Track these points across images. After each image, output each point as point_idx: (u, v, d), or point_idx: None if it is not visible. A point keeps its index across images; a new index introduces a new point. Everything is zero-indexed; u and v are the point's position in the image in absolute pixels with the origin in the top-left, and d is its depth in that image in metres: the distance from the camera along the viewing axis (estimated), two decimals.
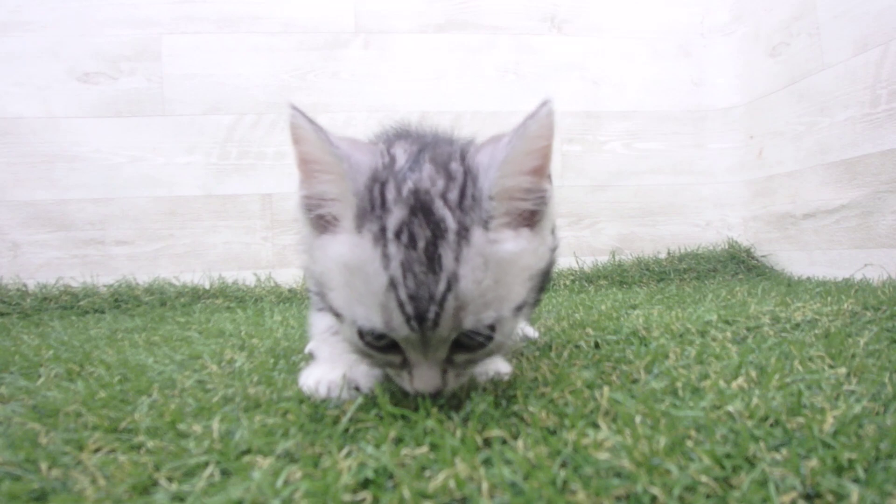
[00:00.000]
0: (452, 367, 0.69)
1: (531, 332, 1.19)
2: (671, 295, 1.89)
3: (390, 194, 0.64)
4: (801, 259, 2.38)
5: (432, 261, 0.61)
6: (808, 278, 2.20)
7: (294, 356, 1.11)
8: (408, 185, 0.64)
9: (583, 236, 2.67)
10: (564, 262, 2.56)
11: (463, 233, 0.62)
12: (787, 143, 2.41)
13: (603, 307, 1.61)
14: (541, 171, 0.69)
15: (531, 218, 0.70)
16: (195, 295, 2.27)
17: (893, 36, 1.89)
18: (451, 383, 0.70)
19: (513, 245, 0.66)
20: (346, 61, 2.59)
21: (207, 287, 2.33)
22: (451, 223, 0.62)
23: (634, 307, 1.61)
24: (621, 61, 2.75)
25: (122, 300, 2.19)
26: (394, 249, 0.61)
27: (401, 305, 0.61)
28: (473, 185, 0.65)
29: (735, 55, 2.72)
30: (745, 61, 2.67)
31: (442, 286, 0.61)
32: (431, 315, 0.61)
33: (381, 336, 0.66)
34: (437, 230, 0.62)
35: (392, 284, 0.61)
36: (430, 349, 0.66)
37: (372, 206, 0.64)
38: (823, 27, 2.18)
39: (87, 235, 2.41)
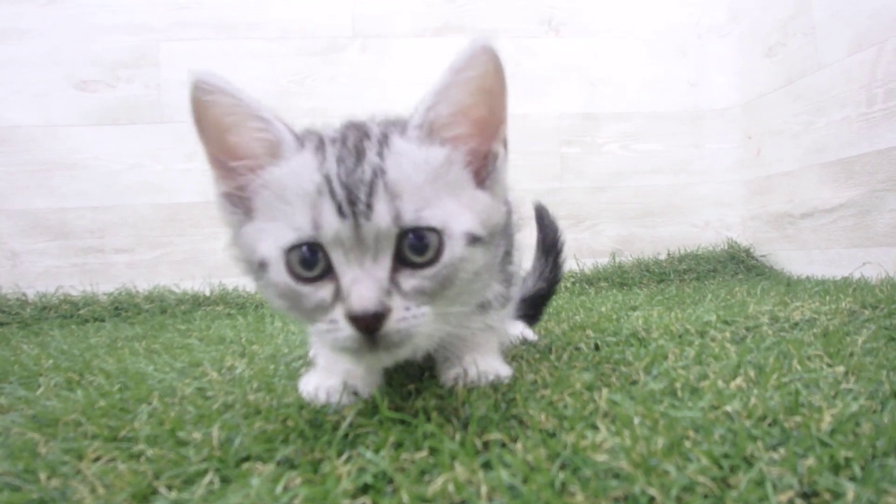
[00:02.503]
0: (399, 291, 0.62)
1: (530, 334, 1.20)
2: (671, 296, 1.89)
3: (324, 127, 0.71)
4: (799, 258, 2.38)
5: (360, 153, 0.64)
6: (807, 277, 2.20)
7: (294, 362, 1.11)
8: (343, 121, 0.72)
9: (582, 238, 2.67)
10: (565, 264, 2.55)
11: (384, 139, 0.66)
12: (784, 142, 2.41)
13: (603, 309, 1.61)
14: (481, 118, 0.69)
15: (478, 179, 0.71)
16: (195, 302, 2.27)
17: (888, 35, 1.90)
18: (398, 314, 0.61)
19: (454, 170, 0.67)
20: (344, 66, 2.59)
21: (208, 294, 2.33)
22: (374, 131, 0.68)
23: (634, 308, 1.61)
24: (619, 63, 2.76)
25: (122, 308, 2.19)
26: (330, 150, 0.65)
27: (332, 193, 0.61)
28: (398, 123, 0.71)
29: (732, 55, 2.72)
30: (742, 61, 2.68)
31: (368, 172, 0.62)
32: (363, 196, 0.61)
33: (311, 262, 0.62)
34: (364, 135, 0.67)
35: (326, 178, 0.62)
36: (368, 255, 0.61)
37: (309, 132, 0.69)
38: (819, 27, 2.19)
39: (86, 243, 2.41)
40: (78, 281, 2.35)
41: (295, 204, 0.63)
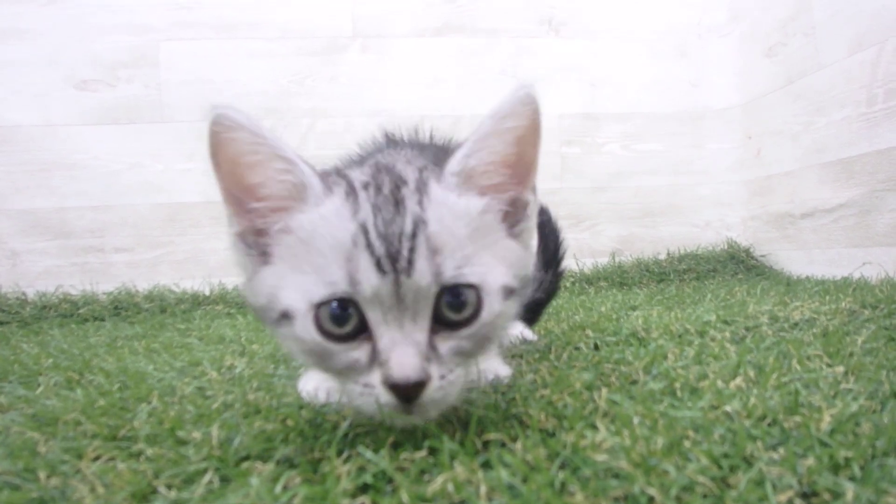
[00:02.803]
0: (436, 356, 0.59)
1: (529, 334, 1.20)
2: (671, 296, 1.89)
3: (350, 168, 0.68)
4: (799, 258, 2.38)
5: (398, 203, 0.60)
6: (807, 277, 2.20)
7: (294, 361, 1.11)
8: (370, 161, 0.69)
9: (582, 238, 2.67)
10: (564, 264, 2.55)
11: (422, 185, 0.62)
12: (784, 142, 2.41)
13: (603, 309, 1.61)
14: (517, 166, 0.66)
15: (512, 225, 0.68)
16: (195, 301, 2.27)
17: (889, 35, 1.90)
18: (436, 382, 0.58)
19: (489, 219, 0.64)
20: (345, 66, 2.59)
21: (207, 293, 2.33)
22: (409, 176, 0.63)
23: (634, 308, 1.61)
24: (619, 63, 2.76)
25: (122, 307, 2.19)
26: (363, 197, 0.60)
27: (369, 246, 0.57)
28: (431, 167, 0.66)
29: (732, 56, 2.72)
30: (742, 62, 2.68)
31: (409, 224, 0.58)
32: (405, 251, 0.56)
33: (342, 318, 0.58)
34: (399, 180, 0.62)
35: (361, 228, 0.58)
36: (407, 314, 0.57)
37: (336, 175, 0.65)
38: (819, 27, 2.19)
39: (86, 243, 2.41)
40: (78, 280, 2.35)
41: (326, 255, 0.58)
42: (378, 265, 0.56)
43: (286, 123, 2.52)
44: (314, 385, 0.79)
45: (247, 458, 0.61)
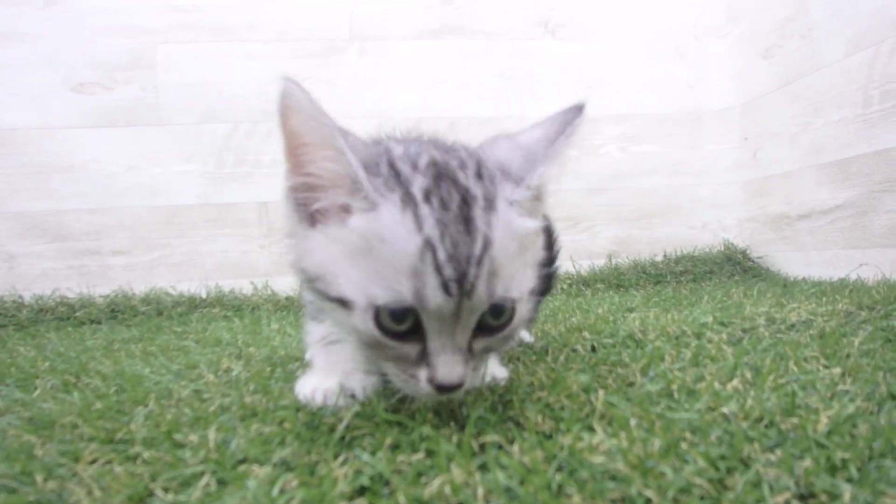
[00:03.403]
0: (472, 357, 0.64)
1: (527, 336, 1.20)
2: (667, 297, 1.89)
3: (404, 166, 0.63)
4: (796, 260, 2.38)
5: (467, 222, 0.60)
6: (804, 279, 2.21)
7: (291, 364, 1.11)
8: (423, 159, 0.64)
9: (579, 240, 2.68)
10: (561, 265, 2.56)
11: (489, 202, 0.62)
12: (782, 143, 2.42)
13: (599, 311, 1.61)
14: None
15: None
16: (192, 304, 2.26)
17: (885, 36, 1.91)
18: (469, 378, 0.64)
19: (534, 225, 0.66)
20: (342, 68, 2.59)
21: (204, 296, 2.32)
22: (476, 191, 0.62)
23: (631, 310, 1.61)
24: (616, 64, 2.76)
25: (119, 310, 2.18)
26: (426, 210, 0.59)
27: (438, 268, 0.57)
28: (487, 168, 0.66)
29: (730, 57, 2.73)
30: (739, 63, 2.68)
31: (478, 247, 0.59)
32: (472, 276, 0.58)
33: (401, 318, 0.61)
34: (466, 195, 0.61)
35: (428, 245, 0.58)
36: (459, 326, 0.61)
37: (388, 176, 0.62)
38: (816, 28, 2.19)
39: (83, 246, 2.40)
40: (75, 283, 2.34)
41: (390, 264, 0.59)
42: (445, 287, 0.58)
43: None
44: (311, 388, 0.79)
45: (244, 460, 0.61)
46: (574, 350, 1.05)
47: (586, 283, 2.45)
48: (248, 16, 2.55)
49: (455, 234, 0.59)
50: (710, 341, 1.06)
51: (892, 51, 1.89)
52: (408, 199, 0.60)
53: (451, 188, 0.61)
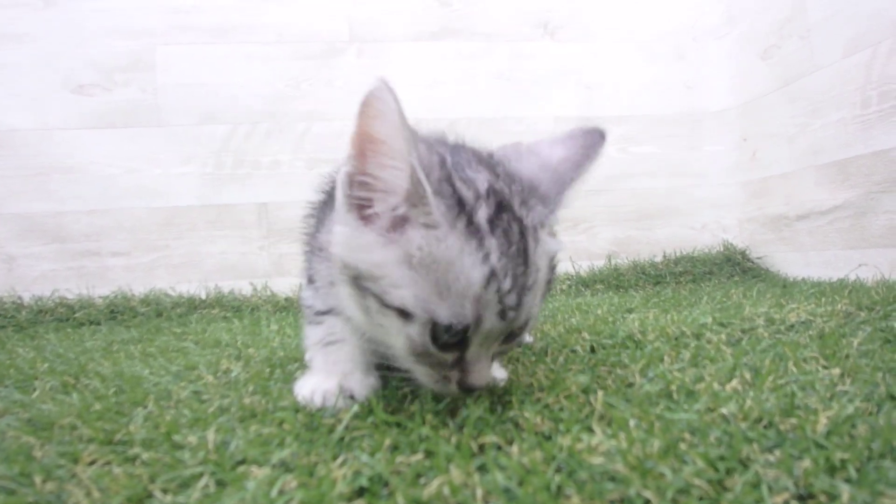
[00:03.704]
0: (491, 361, 0.71)
1: (527, 336, 1.20)
2: (667, 298, 1.89)
3: (467, 192, 0.64)
4: (796, 260, 2.38)
5: (525, 254, 0.65)
6: (804, 279, 2.21)
7: (290, 365, 1.11)
8: (482, 185, 0.66)
9: (579, 241, 2.68)
10: (561, 266, 2.56)
11: (535, 231, 0.68)
12: (780, 144, 2.42)
13: (599, 311, 1.61)
14: None
15: None
16: (191, 305, 2.26)
17: (883, 37, 1.91)
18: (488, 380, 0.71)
19: (557, 248, 0.73)
20: (341, 69, 2.60)
21: (204, 297, 2.32)
22: (528, 222, 0.67)
23: (630, 311, 1.61)
24: (615, 66, 2.76)
25: (118, 311, 2.18)
26: (492, 243, 0.63)
27: (500, 297, 0.63)
28: (531, 192, 0.70)
29: (728, 58, 2.73)
30: (737, 64, 2.68)
31: (531, 278, 0.66)
32: (527, 305, 0.66)
33: (456, 334, 0.64)
34: (522, 227, 0.66)
35: (494, 277, 0.62)
36: (492, 342, 0.68)
37: (451, 199, 0.63)
38: (814, 29, 2.20)
39: (82, 247, 2.40)
40: (74, 284, 2.34)
41: (455, 288, 0.62)
42: (502, 314, 0.64)
43: (282, 127, 2.52)
44: (310, 389, 0.79)
45: (243, 461, 0.61)
46: (573, 351, 1.05)
47: (586, 283, 2.45)
48: (247, 17, 2.55)
49: (515, 266, 0.64)
50: (709, 342, 1.06)
51: (890, 52, 1.89)
52: (474, 229, 0.63)
53: (510, 220, 0.65)
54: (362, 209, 0.67)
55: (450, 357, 0.67)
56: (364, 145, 0.64)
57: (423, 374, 0.70)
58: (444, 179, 0.64)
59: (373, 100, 0.62)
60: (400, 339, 0.67)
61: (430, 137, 0.78)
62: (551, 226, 0.73)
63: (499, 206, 0.65)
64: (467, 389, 0.69)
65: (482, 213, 0.64)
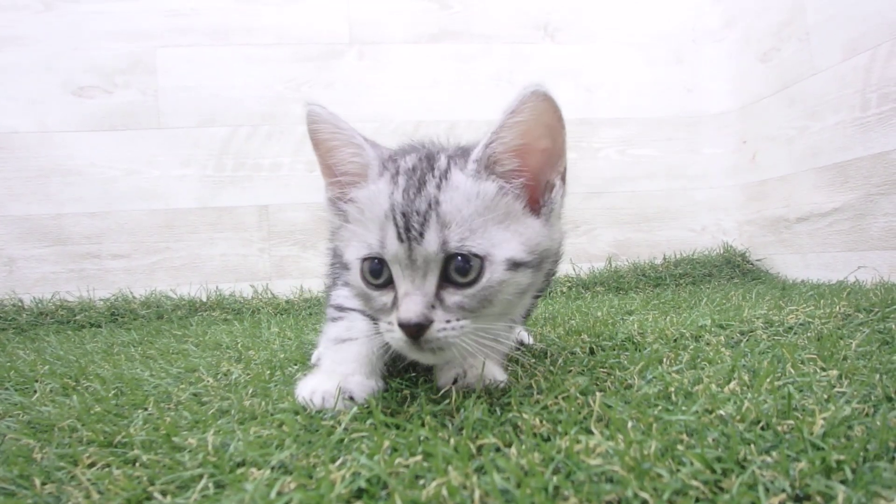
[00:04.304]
0: (442, 306, 0.73)
1: (526, 337, 1.20)
2: (667, 300, 1.89)
3: (402, 155, 0.80)
4: (795, 262, 2.39)
5: (420, 187, 0.74)
6: (803, 281, 2.21)
7: (290, 367, 1.11)
8: (420, 151, 0.81)
9: (579, 243, 2.68)
10: (561, 268, 2.55)
11: (445, 173, 0.75)
12: (779, 147, 2.42)
13: (599, 313, 1.61)
14: (530, 155, 0.77)
15: (534, 207, 0.79)
16: (192, 307, 2.26)
17: (882, 41, 1.91)
18: (439, 324, 0.72)
19: (504, 202, 0.75)
20: (341, 72, 2.60)
21: (204, 299, 2.32)
22: (441, 164, 0.77)
23: (630, 313, 1.61)
24: (614, 68, 2.77)
25: (119, 314, 2.19)
26: (402, 181, 0.75)
27: (394, 220, 0.72)
28: (462, 152, 0.81)
29: (727, 61, 2.74)
30: (736, 67, 2.69)
31: (423, 204, 0.72)
32: (416, 225, 0.71)
33: (377, 271, 0.75)
34: (429, 168, 0.76)
35: (392, 206, 0.73)
36: (420, 273, 0.72)
37: (389, 161, 0.79)
38: (813, 32, 2.20)
39: (83, 249, 2.41)
40: (75, 287, 2.34)
41: (370, 223, 0.75)
42: (398, 235, 0.72)
43: (282, 129, 2.53)
44: (310, 390, 0.79)
45: (242, 463, 0.61)
46: (573, 353, 1.06)
47: (586, 285, 2.45)
48: (247, 20, 2.56)
49: (410, 194, 0.73)
50: (708, 344, 1.07)
51: (889, 54, 1.90)
52: (395, 173, 0.76)
53: (423, 167, 0.77)
54: (338, 204, 0.81)
55: (387, 299, 0.75)
56: (325, 153, 0.82)
57: (385, 332, 0.75)
58: (385, 158, 0.80)
59: (310, 118, 0.80)
60: (354, 295, 0.80)
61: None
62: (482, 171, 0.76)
63: (420, 158, 0.78)
64: (405, 328, 0.71)
65: (404, 164, 0.77)
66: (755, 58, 2.54)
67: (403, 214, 0.72)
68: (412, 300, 0.71)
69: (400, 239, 0.72)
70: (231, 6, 2.55)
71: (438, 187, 0.74)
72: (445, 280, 0.73)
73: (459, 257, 0.71)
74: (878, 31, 1.93)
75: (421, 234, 0.71)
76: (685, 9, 2.82)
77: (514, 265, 0.74)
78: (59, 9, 2.43)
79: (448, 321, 0.72)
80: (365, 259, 0.76)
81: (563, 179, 0.83)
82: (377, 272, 0.75)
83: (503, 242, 0.74)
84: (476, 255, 0.72)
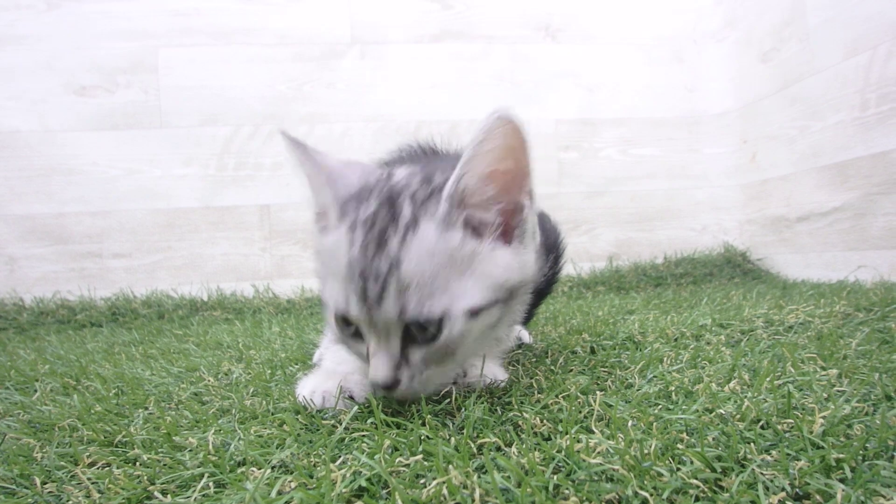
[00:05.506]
0: (408, 365, 0.71)
1: (526, 336, 1.20)
2: (667, 300, 1.89)
3: (373, 195, 0.73)
4: (796, 262, 2.39)
5: (380, 245, 0.69)
6: (803, 281, 2.21)
7: (291, 367, 1.11)
8: (388, 185, 0.74)
9: (580, 242, 2.68)
10: (562, 269, 2.55)
11: (411, 224, 0.69)
12: (780, 146, 2.42)
13: (600, 313, 1.62)
14: (504, 179, 0.72)
15: (504, 234, 0.74)
16: (193, 307, 2.27)
17: (881, 40, 1.91)
18: (406, 383, 0.71)
19: (469, 247, 0.71)
20: (342, 72, 2.60)
21: (205, 299, 2.33)
22: (406, 213, 0.70)
23: (631, 312, 1.61)
24: (615, 68, 2.77)
25: (120, 313, 2.19)
26: (359, 234, 0.70)
27: (353, 283, 0.69)
28: (432, 188, 0.73)
29: (728, 61, 2.74)
30: (737, 66, 2.69)
31: (384, 265, 0.67)
32: (373, 292, 0.68)
33: (346, 324, 0.73)
34: (392, 219, 0.70)
35: (350, 263, 0.69)
36: (382, 334, 0.70)
37: (353, 202, 0.73)
38: (813, 32, 2.20)
39: (84, 249, 2.41)
40: (76, 286, 2.35)
41: (336, 274, 0.72)
42: (359, 297, 0.69)
43: (284, 129, 2.53)
44: (310, 389, 0.79)
45: (242, 463, 0.61)
46: (574, 352, 1.06)
47: (587, 285, 2.45)
48: (248, 19, 2.56)
49: (369, 253, 0.68)
50: (708, 343, 1.07)
51: (888, 54, 1.89)
52: (352, 225, 0.71)
53: (383, 217, 0.70)
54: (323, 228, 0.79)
55: (363, 349, 0.73)
56: (308, 184, 0.79)
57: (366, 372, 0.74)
58: (361, 192, 0.75)
59: (294, 158, 0.79)
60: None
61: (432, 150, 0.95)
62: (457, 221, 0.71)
63: (382, 203, 0.72)
64: (376, 387, 0.71)
65: (365, 210, 0.72)
66: (756, 58, 2.54)
67: (362, 275, 0.68)
68: (379, 361, 0.70)
69: (361, 301, 0.69)
70: (233, 6, 2.55)
71: (401, 243, 0.68)
72: (409, 336, 0.70)
73: (414, 321, 0.68)
74: (877, 31, 1.93)
75: (379, 300, 0.67)
76: (686, 9, 2.82)
77: (474, 314, 0.70)
78: (62, 8, 2.43)
79: (413, 377, 0.72)
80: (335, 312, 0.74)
81: (532, 198, 0.77)
82: (346, 325, 0.74)
83: (464, 293, 0.70)
84: (436, 318, 0.68)
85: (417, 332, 0.69)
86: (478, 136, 0.69)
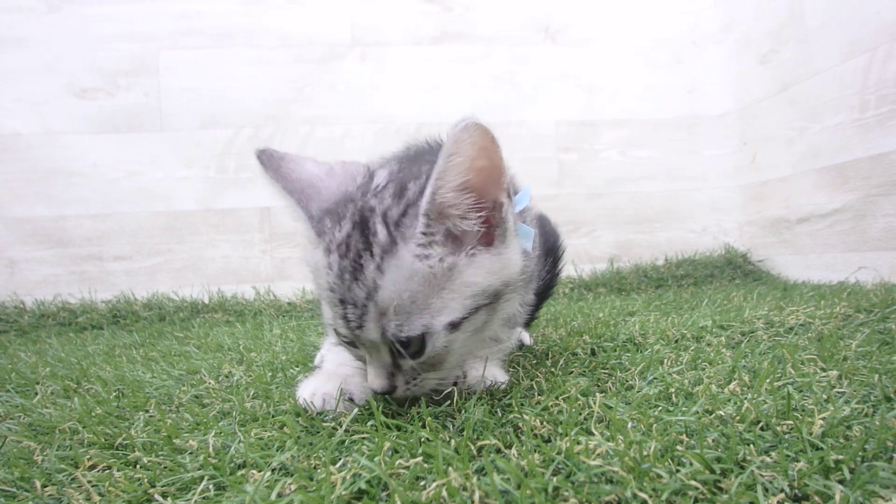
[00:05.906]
0: (401, 372, 0.74)
1: (527, 338, 1.20)
2: (668, 301, 1.89)
3: (347, 214, 0.73)
4: (796, 263, 2.38)
5: (356, 271, 0.69)
6: (804, 282, 2.21)
7: (292, 369, 1.11)
8: (361, 203, 0.74)
9: (581, 244, 2.68)
10: (563, 270, 2.55)
11: (389, 247, 0.69)
12: (779, 148, 2.42)
13: (601, 315, 1.61)
14: (480, 178, 0.69)
15: (485, 236, 0.73)
16: (194, 309, 2.27)
17: (880, 42, 1.91)
18: (402, 388, 0.74)
19: (448, 262, 0.70)
20: (343, 74, 2.61)
21: (206, 301, 2.33)
22: (381, 236, 0.70)
23: (632, 314, 1.61)
24: (615, 70, 2.77)
25: (121, 316, 2.19)
26: (335, 258, 0.71)
27: (335, 308, 0.71)
28: (408, 205, 0.72)
29: (727, 63, 2.74)
30: (736, 68, 2.69)
31: (362, 293, 0.69)
32: (353, 318, 0.69)
33: (341, 334, 0.75)
34: (366, 243, 0.70)
35: (331, 288, 0.71)
36: (372, 349, 0.73)
37: (330, 223, 0.73)
38: (812, 34, 2.20)
39: (84, 251, 2.41)
40: (76, 289, 2.35)
41: (322, 294, 0.74)
42: (343, 320, 0.71)
43: (285, 131, 2.53)
44: (311, 391, 0.80)
45: (243, 465, 0.61)
46: (574, 354, 1.06)
47: (588, 287, 2.45)
48: (249, 22, 2.56)
49: (346, 280, 0.69)
50: (709, 345, 1.07)
51: (887, 56, 1.90)
52: (328, 248, 0.72)
53: (357, 241, 0.70)
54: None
55: (361, 352, 0.76)
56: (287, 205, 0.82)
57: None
58: (336, 206, 0.75)
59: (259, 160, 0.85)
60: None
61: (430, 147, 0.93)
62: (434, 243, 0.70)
63: (355, 224, 0.71)
64: (375, 392, 0.74)
65: (339, 233, 0.72)
66: (755, 60, 2.54)
67: (342, 302, 0.70)
68: (374, 371, 0.74)
69: (345, 322, 0.70)
70: (234, 9, 2.55)
71: (377, 270, 0.68)
72: (396, 350, 0.71)
73: (396, 340, 0.69)
74: (876, 33, 1.93)
75: (360, 325, 0.69)
76: (685, 11, 2.82)
77: (458, 324, 0.71)
78: (63, 11, 2.44)
79: (408, 382, 0.75)
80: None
81: (509, 196, 0.75)
82: (343, 334, 0.75)
83: (444, 308, 0.70)
84: (416, 337, 0.69)
85: (403, 349, 0.70)
86: (449, 148, 0.66)
